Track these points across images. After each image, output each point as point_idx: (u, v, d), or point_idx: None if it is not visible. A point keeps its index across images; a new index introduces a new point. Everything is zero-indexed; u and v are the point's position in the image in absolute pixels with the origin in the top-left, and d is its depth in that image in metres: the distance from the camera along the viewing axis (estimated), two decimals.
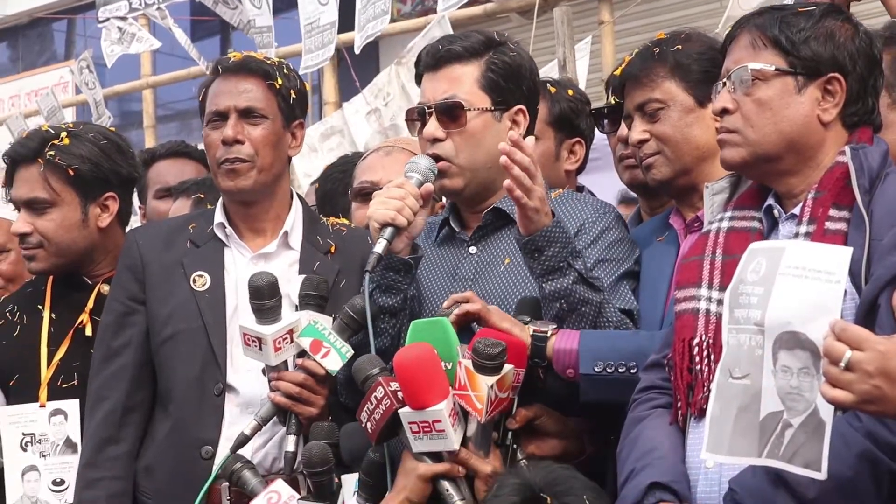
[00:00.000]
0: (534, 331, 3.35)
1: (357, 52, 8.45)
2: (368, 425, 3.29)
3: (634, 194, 4.33)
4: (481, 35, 3.69)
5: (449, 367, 3.26)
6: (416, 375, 3.21)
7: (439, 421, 3.20)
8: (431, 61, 3.66)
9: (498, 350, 3.18)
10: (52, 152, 4.12)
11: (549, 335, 3.34)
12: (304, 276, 3.74)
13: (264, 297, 3.55)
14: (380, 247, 3.44)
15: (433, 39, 3.90)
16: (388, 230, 3.45)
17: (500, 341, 3.21)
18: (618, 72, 3.75)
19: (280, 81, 3.89)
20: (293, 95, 3.91)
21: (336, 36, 8.58)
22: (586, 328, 3.35)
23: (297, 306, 3.68)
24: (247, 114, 3.87)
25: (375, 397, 3.26)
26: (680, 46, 3.61)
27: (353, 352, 3.56)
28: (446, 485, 3.26)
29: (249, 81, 3.90)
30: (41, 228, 4.12)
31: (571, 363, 3.33)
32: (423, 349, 3.26)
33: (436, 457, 3.28)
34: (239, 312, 3.75)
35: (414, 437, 3.24)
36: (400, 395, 3.24)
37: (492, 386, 3.18)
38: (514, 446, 3.35)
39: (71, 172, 4.12)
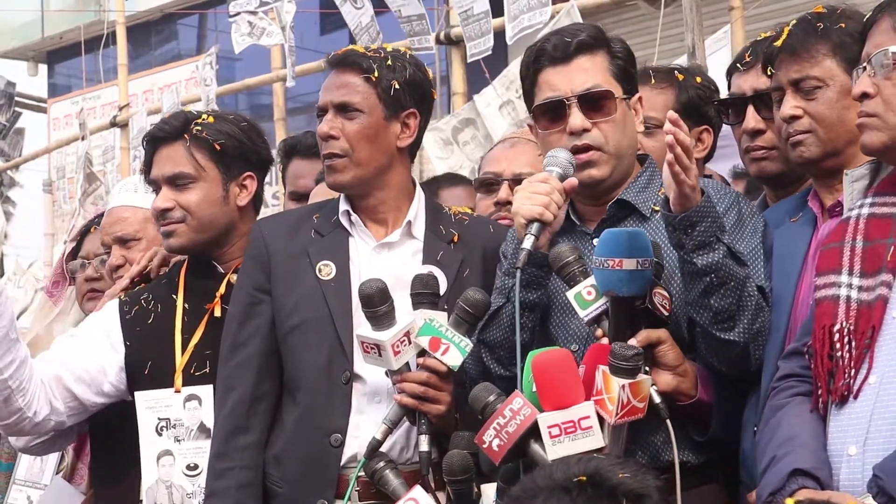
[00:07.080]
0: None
1: (510, 42, 8.40)
2: (496, 442, 3.21)
3: (746, 170, 4.28)
4: (591, 26, 3.70)
5: None
6: (560, 373, 3.21)
7: (586, 417, 3.17)
8: (560, 54, 3.62)
9: (632, 353, 3.17)
10: (198, 128, 4.19)
11: None
12: (415, 274, 3.70)
13: (376, 304, 3.55)
14: (528, 242, 3.42)
15: None
16: (535, 225, 3.43)
17: (636, 346, 3.22)
18: (778, 42, 3.61)
19: (377, 74, 3.86)
20: (396, 86, 3.87)
21: (492, 24, 8.56)
22: (732, 303, 3.33)
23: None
24: (342, 109, 3.87)
25: (511, 409, 3.21)
26: (843, 24, 3.50)
27: (472, 345, 3.55)
28: None
29: (348, 75, 3.89)
30: (184, 203, 4.16)
31: None
32: (561, 352, 3.29)
33: None
34: None
35: (553, 443, 3.18)
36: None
37: (623, 387, 3.15)
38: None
39: (217, 147, 4.18)
